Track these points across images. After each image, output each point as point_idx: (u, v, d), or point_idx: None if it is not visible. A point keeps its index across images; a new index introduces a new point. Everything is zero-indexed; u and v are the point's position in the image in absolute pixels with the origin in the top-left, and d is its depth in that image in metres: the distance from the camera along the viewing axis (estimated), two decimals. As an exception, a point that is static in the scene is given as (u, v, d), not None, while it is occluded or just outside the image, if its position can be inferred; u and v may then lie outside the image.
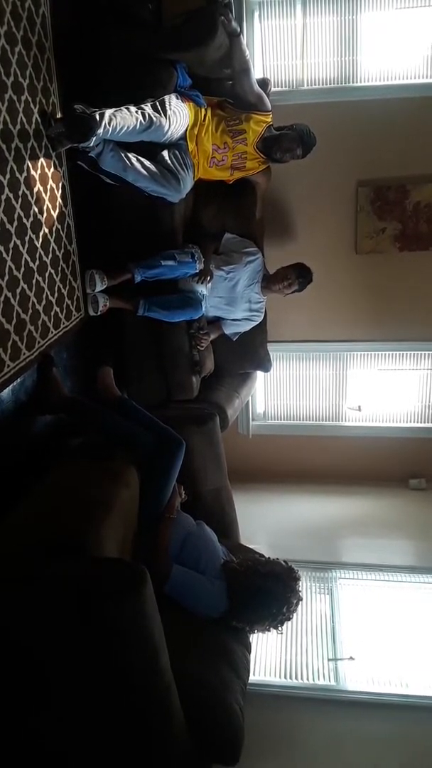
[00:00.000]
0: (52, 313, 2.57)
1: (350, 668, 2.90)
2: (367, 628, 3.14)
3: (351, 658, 2.94)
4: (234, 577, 2.27)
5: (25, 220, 2.31)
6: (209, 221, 3.31)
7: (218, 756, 1.85)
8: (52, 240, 2.54)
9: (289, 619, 2.23)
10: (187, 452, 2.51)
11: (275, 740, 2.52)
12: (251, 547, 2.79)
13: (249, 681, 2.20)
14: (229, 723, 1.85)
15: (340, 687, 2.82)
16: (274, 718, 2.63)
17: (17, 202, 2.25)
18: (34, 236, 2.38)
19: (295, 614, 2.24)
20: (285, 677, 2.90)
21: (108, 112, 2.42)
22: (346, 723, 2.64)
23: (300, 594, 2.24)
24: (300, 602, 2.24)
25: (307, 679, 2.88)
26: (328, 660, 2.96)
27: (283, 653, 3.00)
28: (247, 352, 3.62)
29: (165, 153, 2.76)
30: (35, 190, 2.38)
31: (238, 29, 2.80)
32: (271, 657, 2.98)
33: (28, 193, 2.32)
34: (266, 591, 2.19)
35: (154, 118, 2.58)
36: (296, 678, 2.89)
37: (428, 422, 4.23)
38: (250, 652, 2.34)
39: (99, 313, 2.85)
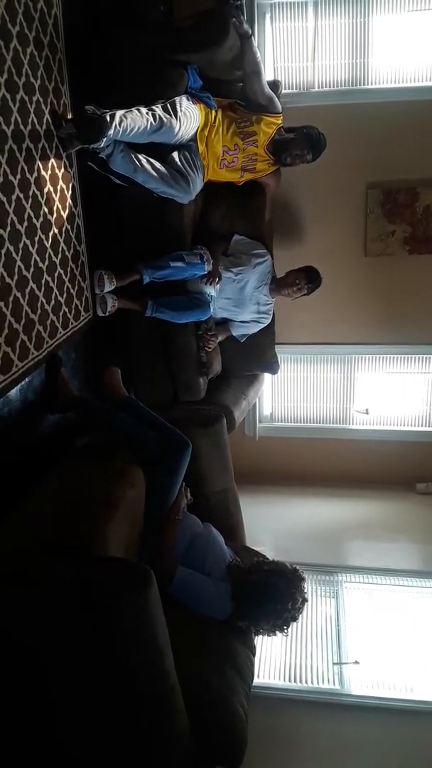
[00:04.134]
0: (61, 313, 2.58)
1: (355, 672, 2.89)
2: (373, 632, 3.12)
3: (356, 662, 2.93)
4: (239, 575, 2.26)
5: (35, 221, 2.32)
6: (218, 223, 3.31)
7: (221, 758, 1.84)
8: (61, 240, 2.55)
9: (294, 619, 2.22)
10: (194, 453, 2.51)
11: (279, 743, 2.51)
12: (257, 549, 2.78)
13: (253, 684, 2.20)
14: (232, 725, 1.84)
15: (344, 691, 2.81)
16: (278, 721, 2.62)
17: (27, 203, 2.25)
18: (43, 236, 2.39)
19: (300, 615, 2.24)
20: (289, 680, 2.89)
21: (119, 113, 2.42)
22: (350, 727, 2.63)
23: (305, 594, 2.23)
24: (305, 603, 2.23)
25: (312, 683, 2.87)
26: (333, 664, 2.95)
27: (287, 656, 2.99)
28: (255, 354, 3.62)
29: (175, 154, 2.76)
30: (45, 190, 2.39)
31: (250, 31, 2.80)
32: (275, 660, 2.97)
33: (38, 193, 2.33)
34: (271, 585, 2.19)
35: (165, 120, 2.58)
36: (300, 681, 2.88)
37: (436, 426, 4.22)
38: (254, 655, 2.33)
39: (107, 314, 2.86)
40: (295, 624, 2.25)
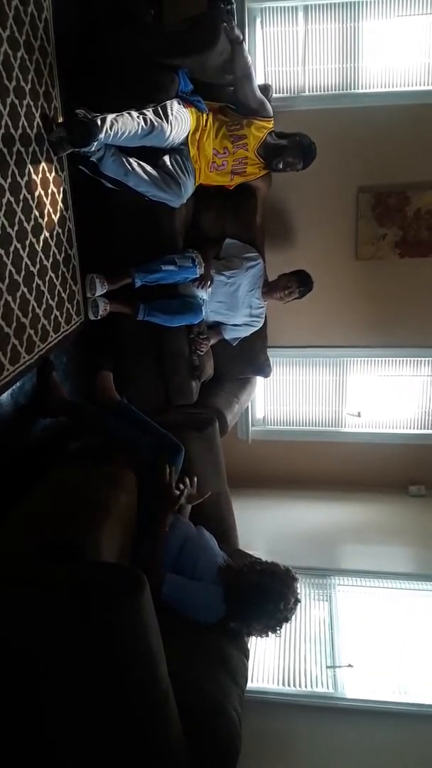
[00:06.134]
0: (52, 317, 2.57)
1: (348, 676, 2.89)
2: (366, 636, 3.12)
3: (349, 666, 2.92)
4: (232, 576, 2.25)
5: (26, 224, 2.31)
6: (210, 226, 3.31)
7: (215, 764, 1.83)
8: (52, 244, 2.54)
9: (287, 619, 2.21)
10: (186, 457, 2.50)
11: (273, 748, 2.51)
12: (249, 552, 2.78)
13: (247, 688, 2.19)
14: (226, 730, 1.83)
15: (338, 694, 2.81)
16: (272, 726, 2.61)
17: (18, 206, 2.25)
18: (34, 240, 2.38)
19: (293, 616, 2.22)
20: (283, 684, 2.88)
21: (109, 116, 2.42)
22: (344, 731, 2.62)
23: (298, 594, 2.23)
24: (298, 603, 2.22)
25: (305, 687, 2.87)
26: (327, 667, 2.94)
27: (281, 660, 2.98)
28: (247, 357, 3.62)
29: (166, 158, 2.77)
30: (36, 194, 2.38)
31: (240, 36, 2.81)
32: (269, 664, 2.97)
33: (29, 197, 2.32)
34: (264, 586, 2.18)
35: (156, 123, 2.58)
36: (294, 685, 2.88)
37: (428, 429, 4.23)
38: (248, 659, 2.32)
39: (99, 318, 2.85)
40: (287, 625, 2.24)
